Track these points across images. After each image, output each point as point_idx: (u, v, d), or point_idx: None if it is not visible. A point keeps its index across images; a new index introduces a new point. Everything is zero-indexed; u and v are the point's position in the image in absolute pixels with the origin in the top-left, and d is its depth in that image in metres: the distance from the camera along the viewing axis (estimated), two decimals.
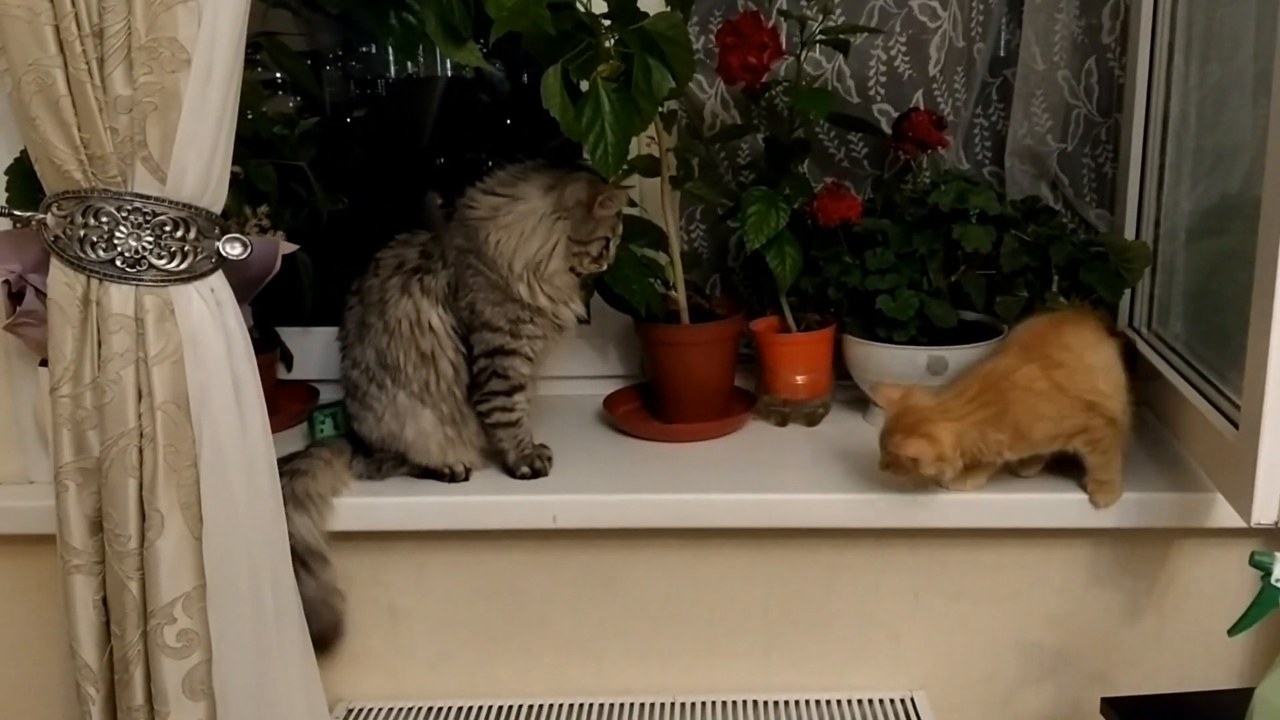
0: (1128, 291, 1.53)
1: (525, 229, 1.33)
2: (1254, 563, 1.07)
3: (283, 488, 1.26)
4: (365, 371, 1.38)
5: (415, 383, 1.36)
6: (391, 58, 1.99)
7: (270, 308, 1.55)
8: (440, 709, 1.45)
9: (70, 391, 1.14)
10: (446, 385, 1.37)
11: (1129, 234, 1.53)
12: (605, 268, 1.39)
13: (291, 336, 1.63)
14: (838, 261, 1.50)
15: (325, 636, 1.36)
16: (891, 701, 1.43)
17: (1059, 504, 1.33)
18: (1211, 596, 1.41)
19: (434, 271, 1.36)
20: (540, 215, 1.33)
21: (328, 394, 1.61)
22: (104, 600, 1.19)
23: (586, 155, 1.25)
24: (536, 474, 1.38)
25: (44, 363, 1.21)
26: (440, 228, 1.41)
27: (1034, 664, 1.45)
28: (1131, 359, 1.41)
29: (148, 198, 1.11)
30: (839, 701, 1.43)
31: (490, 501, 1.36)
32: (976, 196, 1.46)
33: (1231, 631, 1.09)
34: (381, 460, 1.40)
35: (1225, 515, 1.24)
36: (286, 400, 1.59)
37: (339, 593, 1.38)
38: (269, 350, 1.57)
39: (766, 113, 1.57)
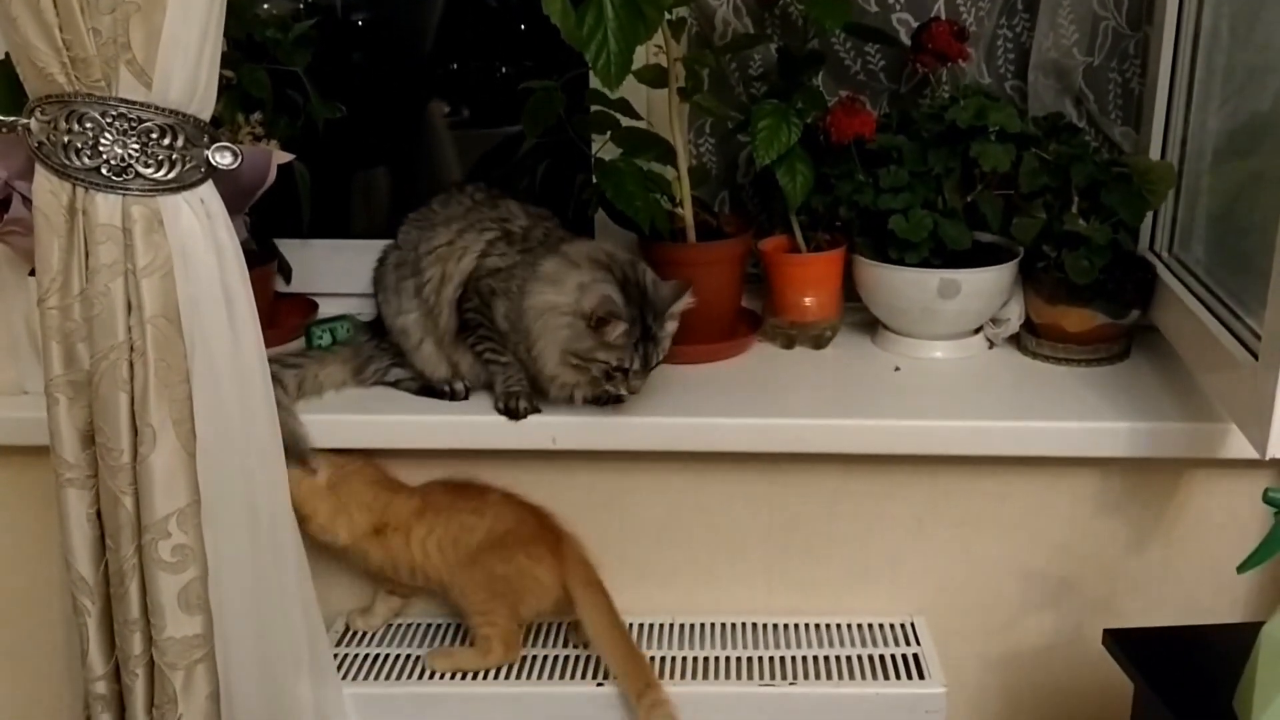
0: (1149, 214, 1.48)
1: (545, 320, 1.27)
2: (1267, 499, 1.05)
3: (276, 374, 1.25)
4: (405, 264, 1.38)
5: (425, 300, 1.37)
6: None
7: (268, 219, 1.52)
8: (436, 625, 1.45)
9: (58, 303, 1.12)
10: (443, 328, 1.37)
11: (1154, 154, 1.48)
12: (617, 395, 1.28)
13: (290, 248, 1.60)
14: (850, 179, 1.46)
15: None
16: (891, 626, 1.42)
17: (1067, 432, 1.31)
18: (1221, 529, 1.39)
19: (503, 254, 1.33)
20: (559, 311, 1.26)
21: (327, 307, 1.59)
22: (98, 514, 1.18)
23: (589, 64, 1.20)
24: (510, 414, 1.33)
25: (34, 272, 1.19)
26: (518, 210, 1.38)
27: (1036, 592, 1.44)
28: None
29: (133, 103, 1.08)
30: (839, 625, 1.43)
31: (490, 421, 1.34)
32: (996, 113, 1.42)
33: (1241, 568, 1.08)
34: (391, 355, 1.40)
35: (1238, 446, 1.22)
36: (285, 313, 1.57)
37: None
38: (266, 262, 1.54)
39: (780, 21, 1.52)
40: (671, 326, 1.30)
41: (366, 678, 1.36)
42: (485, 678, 1.34)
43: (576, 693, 1.33)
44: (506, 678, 1.34)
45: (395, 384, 1.41)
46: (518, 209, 1.38)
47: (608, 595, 1.34)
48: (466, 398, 1.38)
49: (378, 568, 1.38)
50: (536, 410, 1.33)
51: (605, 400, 1.31)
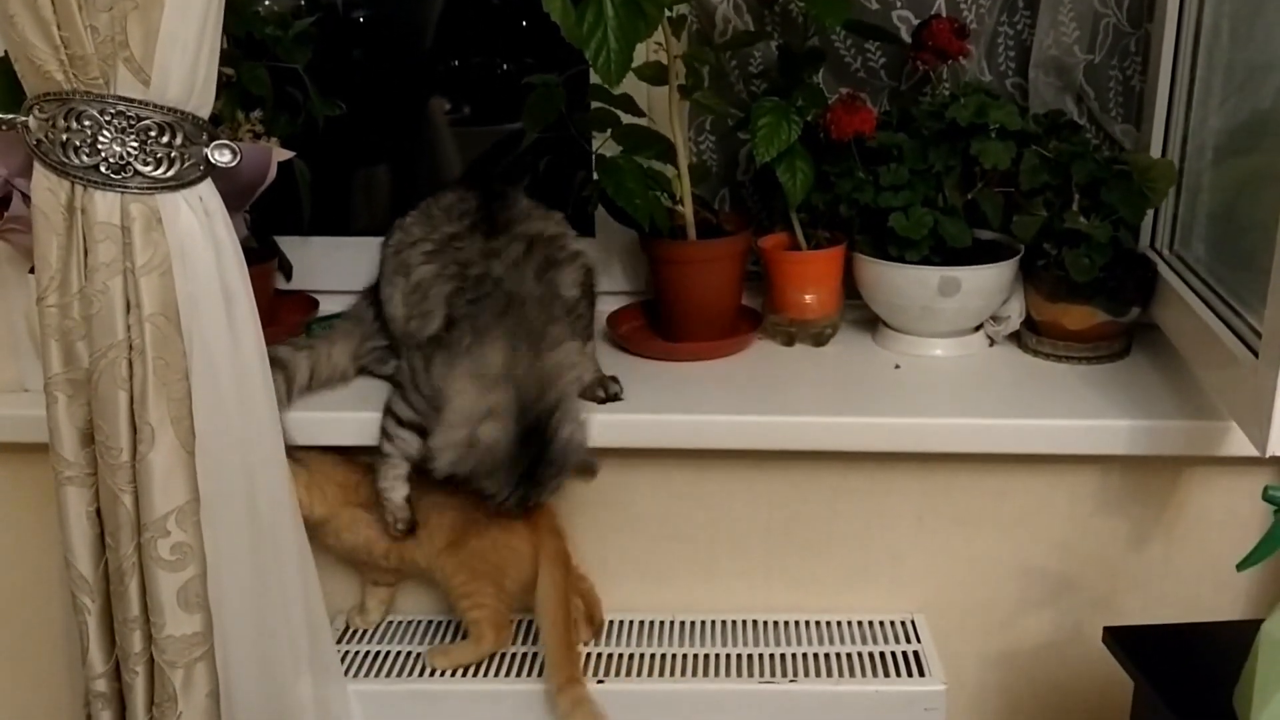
0: (1150, 212, 1.47)
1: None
2: (1267, 497, 1.05)
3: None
4: (401, 254, 1.36)
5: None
6: None
7: (268, 216, 1.52)
8: (434, 622, 1.45)
9: (57, 301, 1.12)
10: None
11: (1155, 151, 1.48)
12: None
13: (290, 246, 1.60)
14: (850, 177, 1.46)
15: None
16: (891, 623, 1.42)
17: (1067, 430, 1.31)
18: (1221, 526, 1.39)
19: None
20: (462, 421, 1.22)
21: (328, 305, 1.59)
22: (97, 512, 1.18)
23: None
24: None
25: (33, 270, 1.19)
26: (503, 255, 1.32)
27: (1036, 590, 1.44)
28: None
29: (131, 100, 1.07)
30: (839, 623, 1.43)
31: None
32: (997, 110, 1.42)
33: (1241, 565, 1.07)
34: (384, 336, 1.40)
35: (1238, 444, 1.22)
36: (285, 311, 1.56)
37: None
38: (266, 260, 1.54)
39: (780, 19, 1.52)
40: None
41: (368, 675, 1.36)
42: (485, 674, 1.34)
43: None
44: (507, 675, 1.34)
45: (388, 378, 1.40)
46: (476, 253, 1.31)
47: (566, 574, 1.33)
48: None
49: (352, 549, 1.37)
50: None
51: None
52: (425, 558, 1.35)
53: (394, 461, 1.31)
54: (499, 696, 1.33)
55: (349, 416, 1.35)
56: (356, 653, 1.39)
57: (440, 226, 1.36)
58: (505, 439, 1.21)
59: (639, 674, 1.35)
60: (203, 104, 1.12)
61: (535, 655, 1.36)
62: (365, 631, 1.43)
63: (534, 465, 1.23)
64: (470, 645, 1.35)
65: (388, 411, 1.32)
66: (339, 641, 1.41)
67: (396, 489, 1.32)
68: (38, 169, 1.10)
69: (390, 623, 1.45)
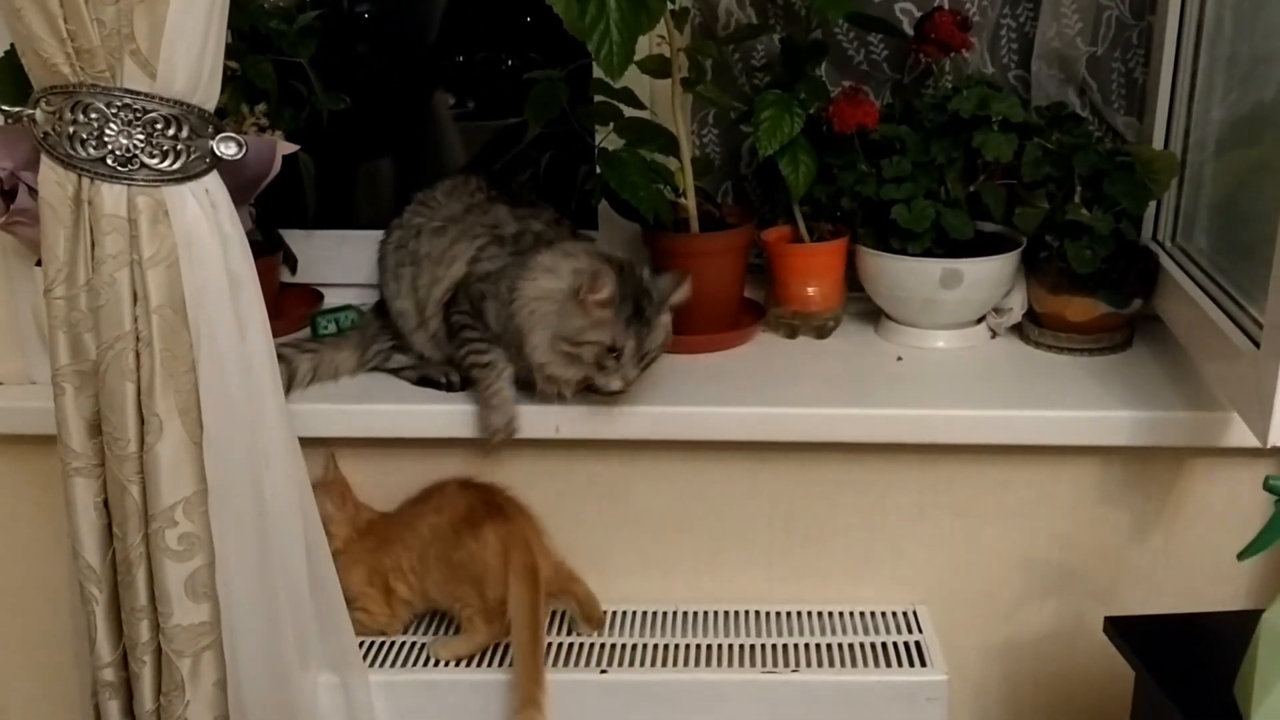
0: (1152, 204, 1.48)
1: (536, 308, 1.26)
2: (1268, 487, 1.05)
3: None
4: (405, 249, 1.39)
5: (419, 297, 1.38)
6: None
7: (273, 210, 1.52)
8: (438, 615, 1.46)
9: (64, 293, 1.13)
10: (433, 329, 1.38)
11: (1157, 143, 1.48)
12: (616, 389, 1.25)
13: (295, 239, 1.61)
14: (853, 170, 1.46)
15: None
16: (893, 614, 1.43)
17: (1069, 421, 1.31)
18: (1222, 517, 1.40)
19: (492, 258, 1.33)
20: (551, 298, 1.26)
21: (332, 298, 1.59)
22: (105, 503, 1.19)
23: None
24: (492, 435, 1.31)
25: (40, 262, 1.20)
26: (517, 201, 1.39)
27: (1038, 580, 1.44)
28: None
29: (137, 93, 1.08)
30: (841, 613, 1.43)
31: None
32: (999, 103, 1.42)
33: (1241, 555, 1.08)
34: (393, 336, 1.42)
35: (1240, 435, 1.22)
36: (290, 303, 1.57)
37: None
38: (271, 253, 1.54)
39: (783, 11, 1.52)
40: (667, 319, 1.30)
41: (375, 665, 1.36)
42: (490, 664, 1.35)
43: (580, 680, 1.33)
44: (511, 665, 1.35)
45: (396, 371, 1.42)
46: (507, 214, 1.38)
47: (534, 591, 1.31)
48: (463, 389, 1.38)
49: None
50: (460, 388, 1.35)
51: (599, 391, 1.28)
52: (421, 586, 1.38)
53: (498, 367, 1.31)
54: (502, 687, 1.33)
55: (356, 409, 1.36)
56: (362, 644, 1.40)
57: (442, 209, 1.39)
58: (606, 266, 1.23)
59: (642, 664, 1.36)
60: (208, 97, 1.12)
61: (555, 646, 1.37)
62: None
63: (637, 298, 1.25)
64: (465, 640, 1.36)
65: (468, 352, 1.34)
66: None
67: (505, 388, 1.31)
68: (44, 161, 1.11)
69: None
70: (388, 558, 1.38)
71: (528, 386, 1.33)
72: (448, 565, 1.35)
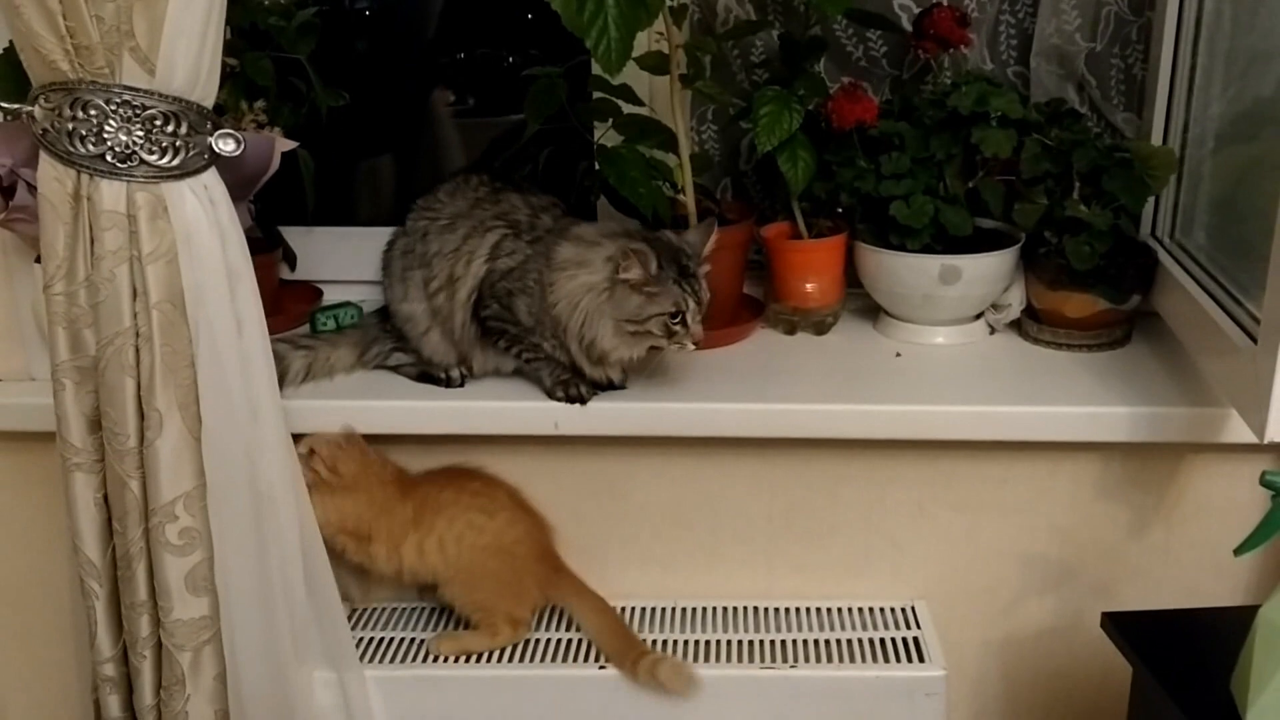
0: (1150, 200, 1.48)
1: (586, 302, 1.27)
2: (1265, 482, 1.05)
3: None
4: (413, 254, 1.39)
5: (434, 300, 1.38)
6: None
7: (273, 206, 1.52)
8: (438, 610, 1.46)
9: (64, 289, 1.13)
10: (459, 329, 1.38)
11: (1156, 139, 1.48)
12: (692, 346, 1.28)
13: (294, 236, 1.61)
14: (852, 166, 1.46)
15: None
16: (892, 610, 1.43)
17: (1068, 417, 1.31)
18: (1221, 513, 1.40)
19: (511, 253, 1.34)
20: (597, 290, 1.27)
21: (331, 294, 1.60)
22: (105, 498, 1.20)
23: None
24: (574, 400, 1.33)
25: (40, 259, 1.20)
26: (526, 200, 1.39)
27: (1037, 576, 1.44)
28: None
29: (136, 90, 1.08)
30: (840, 609, 1.43)
31: (492, 407, 1.35)
32: (998, 99, 1.42)
33: (1238, 550, 1.08)
34: (394, 339, 1.41)
35: (1238, 431, 1.23)
36: (289, 300, 1.58)
37: None
38: (271, 250, 1.55)
39: (782, 8, 1.52)
40: (706, 268, 1.31)
41: (373, 660, 1.36)
42: (489, 660, 1.35)
43: (580, 675, 1.34)
44: (510, 660, 1.35)
45: (396, 368, 1.42)
46: (519, 200, 1.39)
47: (599, 599, 1.39)
48: (463, 385, 1.38)
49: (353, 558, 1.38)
50: (595, 392, 1.34)
51: (569, 399, 1.32)
52: (445, 570, 1.36)
53: (550, 354, 1.33)
54: (501, 683, 1.34)
55: (354, 405, 1.36)
56: (360, 639, 1.40)
57: (447, 208, 1.39)
58: (648, 253, 1.24)
59: None
60: (207, 94, 1.13)
61: (537, 642, 1.38)
62: (368, 617, 1.44)
63: (675, 257, 1.26)
64: (483, 636, 1.36)
65: (518, 352, 1.36)
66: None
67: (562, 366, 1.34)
68: (44, 158, 1.11)
69: (396, 609, 1.46)
70: (398, 521, 1.35)
71: (574, 369, 1.33)
72: (487, 574, 1.35)
